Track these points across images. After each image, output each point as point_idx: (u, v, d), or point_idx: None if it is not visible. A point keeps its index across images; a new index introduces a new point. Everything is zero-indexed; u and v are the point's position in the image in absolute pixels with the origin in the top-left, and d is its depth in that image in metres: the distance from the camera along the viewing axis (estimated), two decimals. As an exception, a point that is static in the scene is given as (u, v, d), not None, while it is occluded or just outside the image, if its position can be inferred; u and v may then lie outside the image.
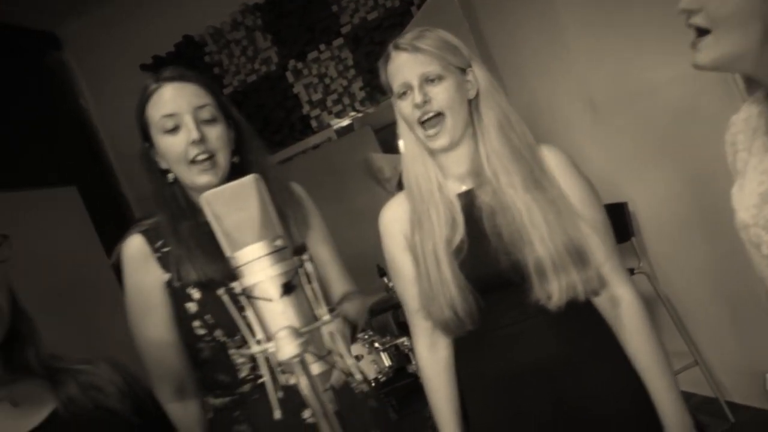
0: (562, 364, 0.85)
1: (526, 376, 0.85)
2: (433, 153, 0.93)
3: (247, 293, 0.50)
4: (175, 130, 0.98)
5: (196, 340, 1.01)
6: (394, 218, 0.97)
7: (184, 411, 1.04)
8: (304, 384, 0.46)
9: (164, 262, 1.01)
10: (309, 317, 0.51)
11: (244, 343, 0.99)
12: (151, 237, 1.03)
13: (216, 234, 0.53)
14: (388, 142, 3.31)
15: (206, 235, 0.97)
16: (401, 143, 0.98)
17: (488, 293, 0.86)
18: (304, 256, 0.51)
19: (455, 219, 0.90)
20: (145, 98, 1.01)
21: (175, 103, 0.99)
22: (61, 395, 0.81)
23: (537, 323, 0.86)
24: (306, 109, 3.21)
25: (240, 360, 1.01)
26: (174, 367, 1.04)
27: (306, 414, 1.00)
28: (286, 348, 0.45)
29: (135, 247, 1.02)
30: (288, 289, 0.49)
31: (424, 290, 0.89)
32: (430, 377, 0.97)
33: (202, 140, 0.97)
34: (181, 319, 1.01)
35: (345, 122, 3.23)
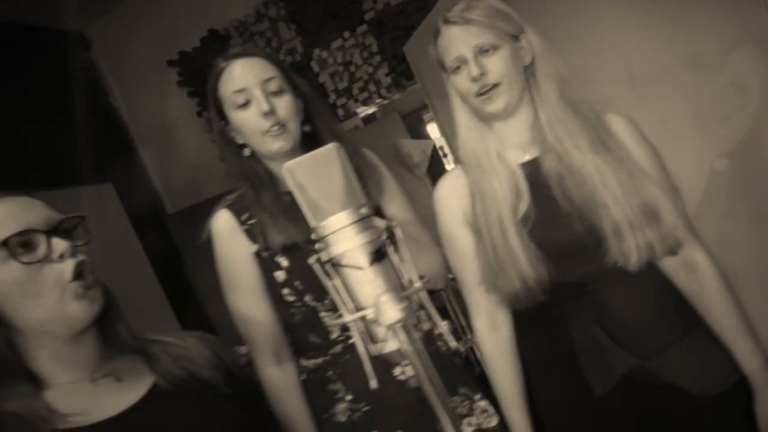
0: (637, 333, 0.82)
1: (598, 348, 0.84)
2: (490, 123, 0.92)
3: (336, 262, 0.50)
4: (246, 104, 1.05)
5: (287, 307, 1.07)
6: (451, 193, 0.95)
7: (282, 374, 1.11)
8: (408, 349, 0.45)
9: (251, 233, 1.08)
10: (397, 285, 0.50)
11: (334, 306, 1.03)
12: (236, 211, 1.10)
13: (300, 204, 0.52)
14: (415, 127, 3.29)
15: (287, 202, 1.04)
16: (456, 117, 0.96)
17: (560, 261, 0.85)
18: (393, 223, 0.50)
19: (519, 188, 0.88)
20: (215, 77, 1.08)
21: (243, 78, 1.06)
22: (157, 368, 0.83)
23: (611, 291, 0.84)
24: (332, 98, 3.20)
25: (331, 322, 1.06)
26: (268, 333, 1.09)
27: (397, 371, 1.04)
28: (389, 313, 0.45)
29: (223, 221, 1.09)
30: (378, 256, 0.48)
31: (490, 264, 0.88)
32: (492, 357, 0.96)
33: (272, 111, 1.04)
34: (272, 287, 1.06)
35: (371, 110, 3.22)
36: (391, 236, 0.50)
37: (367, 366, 0.48)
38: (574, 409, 0.88)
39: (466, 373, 1.11)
